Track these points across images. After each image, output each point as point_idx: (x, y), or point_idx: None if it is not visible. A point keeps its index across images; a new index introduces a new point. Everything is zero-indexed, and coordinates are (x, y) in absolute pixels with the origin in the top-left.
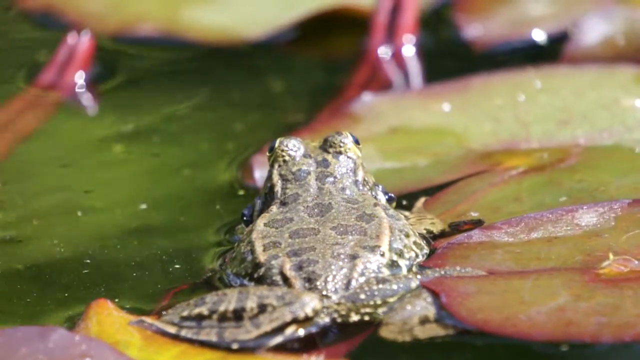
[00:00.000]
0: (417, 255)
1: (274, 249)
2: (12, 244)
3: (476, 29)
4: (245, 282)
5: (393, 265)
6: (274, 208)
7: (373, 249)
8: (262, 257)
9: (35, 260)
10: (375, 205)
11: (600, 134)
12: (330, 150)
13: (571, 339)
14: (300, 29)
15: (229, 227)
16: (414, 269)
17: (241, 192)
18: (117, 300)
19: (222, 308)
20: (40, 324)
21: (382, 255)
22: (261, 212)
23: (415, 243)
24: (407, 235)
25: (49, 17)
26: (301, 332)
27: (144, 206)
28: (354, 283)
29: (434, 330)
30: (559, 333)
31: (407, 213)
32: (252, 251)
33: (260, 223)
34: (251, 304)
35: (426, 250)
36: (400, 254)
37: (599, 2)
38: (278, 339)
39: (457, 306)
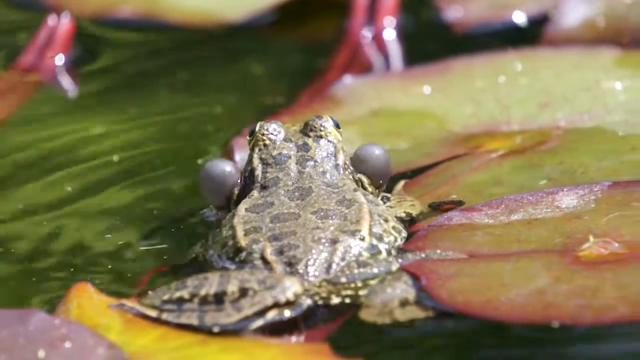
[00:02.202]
0: (396, 239)
1: (255, 234)
2: None
3: (457, 11)
4: (227, 265)
5: (373, 249)
6: (255, 192)
7: (353, 233)
8: (243, 242)
9: (15, 244)
10: (355, 190)
11: (580, 116)
12: (311, 134)
13: (551, 321)
14: (280, 12)
15: (208, 209)
16: (393, 252)
17: None
18: (97, 283)
19: (203, 292)
20: (20, 307)
21: (362, 239)
22: (240, 194)
23: (394, 227)
24: (386, 220)
25: None
26: (282, 315)
27: (123, 188)
28: (334, 267)
29: (414, 313)
30: (538, 315)
31: (388, 195)
32: (234, 236)
33: (242, 208)
34: (232, 287)
35: (404, 233)
36: (380, 238)
37: None
38: (259, 323)
39: (438, 289)
